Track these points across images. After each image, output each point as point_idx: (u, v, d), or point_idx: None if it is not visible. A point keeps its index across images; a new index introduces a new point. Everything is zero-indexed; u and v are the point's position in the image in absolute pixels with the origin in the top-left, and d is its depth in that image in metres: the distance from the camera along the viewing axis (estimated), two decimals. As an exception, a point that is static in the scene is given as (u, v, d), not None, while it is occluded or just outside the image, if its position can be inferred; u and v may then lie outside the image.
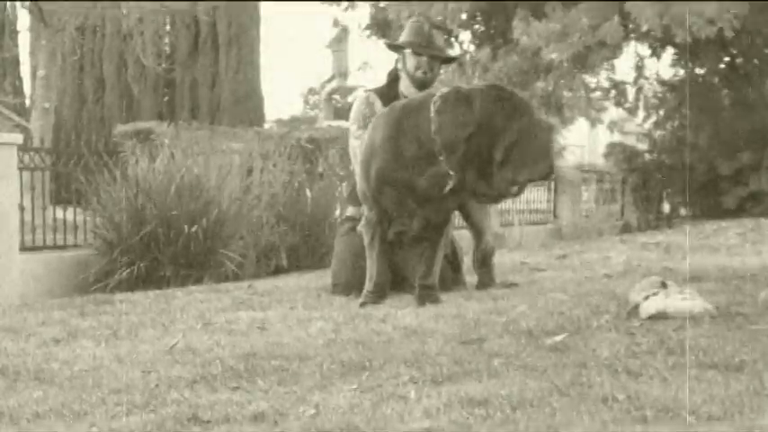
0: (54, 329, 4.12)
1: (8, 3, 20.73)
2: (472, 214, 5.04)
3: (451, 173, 4.09)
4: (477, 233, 5.08)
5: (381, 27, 15.12)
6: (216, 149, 8.64)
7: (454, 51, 13.93)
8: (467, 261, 5.33)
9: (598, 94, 15.43)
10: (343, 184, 6.71)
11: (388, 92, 4.96)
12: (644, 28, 11.70)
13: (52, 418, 2.61)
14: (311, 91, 36.13)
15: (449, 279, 4.96)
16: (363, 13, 15.09)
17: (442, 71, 5.52)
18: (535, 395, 2.57)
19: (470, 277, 5.19)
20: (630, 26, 12.46)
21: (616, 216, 15.10)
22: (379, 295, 4.52)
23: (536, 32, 12.08)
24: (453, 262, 5.18)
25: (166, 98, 22.02)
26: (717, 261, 6.18)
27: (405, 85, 4.94)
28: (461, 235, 5.50)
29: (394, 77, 5.02)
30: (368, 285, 4.58)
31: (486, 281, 5.06)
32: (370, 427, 2.37)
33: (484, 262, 5.10)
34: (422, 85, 4.85)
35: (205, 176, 7.55)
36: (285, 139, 10.26)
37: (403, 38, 5.03)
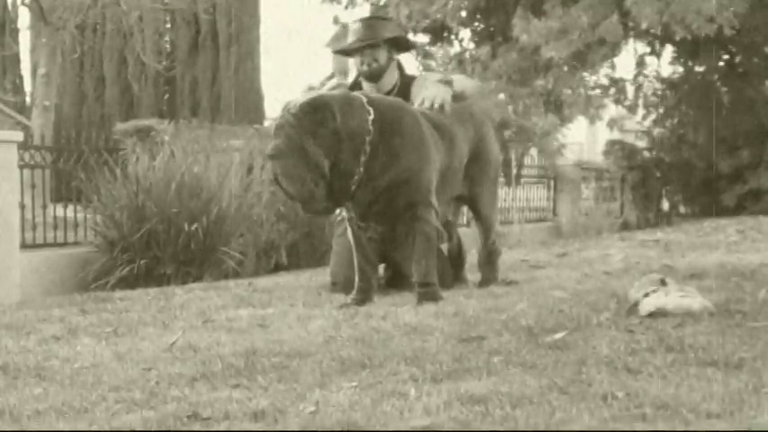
0: (54, 327, 4.13)
1: (8, 1, 20.73)
2: (481, 209, 5.00)
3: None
4: (485, 229, 5.03)
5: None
6: (216, 147, 8.64)
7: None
8: (470, 258, 5.32)
9: (597, 91, 15.44)
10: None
11: (354, 89, 5.07)
12: (643, 26, 11.69)
13: (52, 416, 2.61)
14: (311, 89, 36.11)
15: (449, 276, 4.96)
16: (363, 11, 15.05)
17: (406, 57, 5.67)
18: (535, 392, 2.57)
19: (472, 275, 5.19)
20: (630, 24, 12.46)
21: (615, 214, 15.10)
22: (361, 299, 4.46)
23: (535, 30, 12.08)
24: (458, 258, 5.18)
25: (167, 96, 22.04)
26: (716, 258, 6.18)
27: (365, 84, 5.13)
28: (464, 232, 5.49)
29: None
30: (356, 286, 4.57)
31: (489, 279, 5.05)
32: (370, 424, 2.38)
33: (489, 260, 5.09)
34: (371, 77, 5.03)
35: (205, 174, 7.55)
36: (285, 136, 10.23)
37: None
